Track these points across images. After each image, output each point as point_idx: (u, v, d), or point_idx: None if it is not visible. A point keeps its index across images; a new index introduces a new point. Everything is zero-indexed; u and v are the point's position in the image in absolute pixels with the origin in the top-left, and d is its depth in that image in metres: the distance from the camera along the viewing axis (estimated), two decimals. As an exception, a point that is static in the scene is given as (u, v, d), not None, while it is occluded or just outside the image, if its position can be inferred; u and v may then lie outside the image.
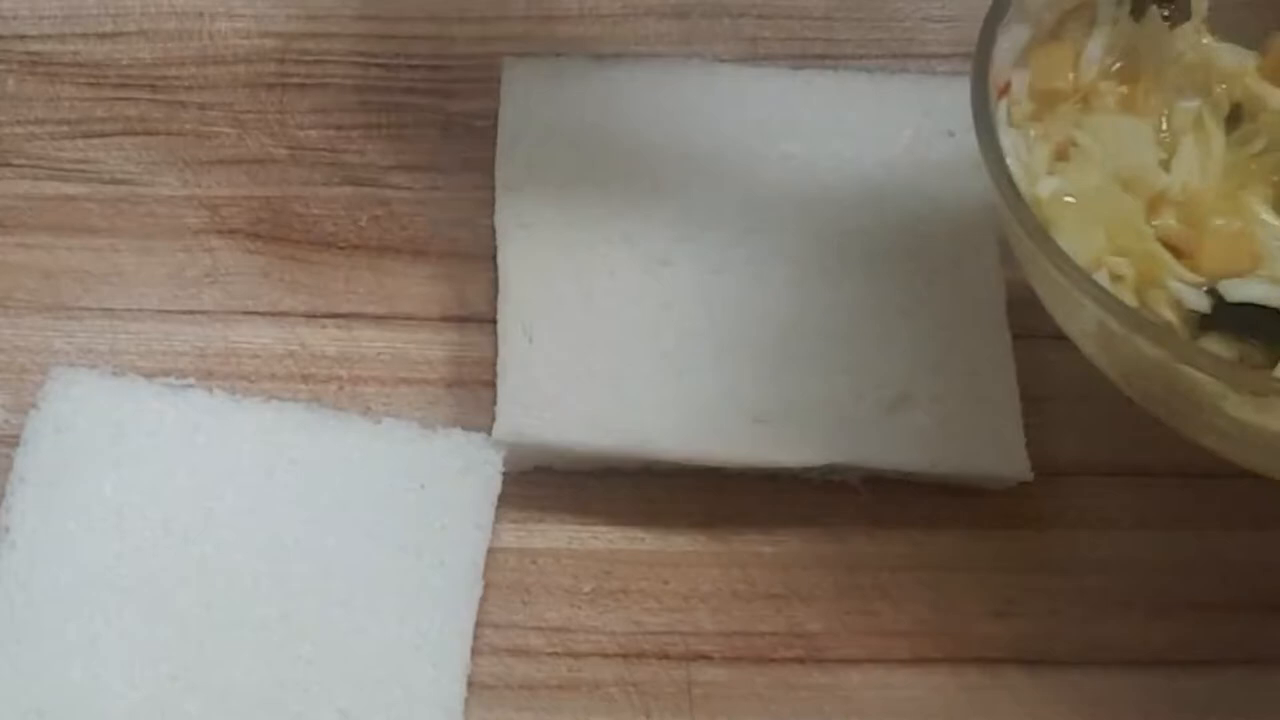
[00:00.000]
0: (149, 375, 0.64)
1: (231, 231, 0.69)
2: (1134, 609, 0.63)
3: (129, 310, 0.67)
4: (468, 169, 0.70)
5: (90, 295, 0.68)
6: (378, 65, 0.73)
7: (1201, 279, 0.58)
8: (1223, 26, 0.63)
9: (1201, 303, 0.58)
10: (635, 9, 0.74)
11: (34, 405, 0.63)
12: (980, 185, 0.69)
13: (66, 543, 0.60)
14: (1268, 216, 0.59)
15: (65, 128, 0.71)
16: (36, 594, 0.59)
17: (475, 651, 0.60)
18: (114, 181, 0.70)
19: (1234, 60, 0.63)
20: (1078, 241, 0.57)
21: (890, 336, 0.65)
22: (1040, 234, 0.56)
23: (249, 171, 0.71)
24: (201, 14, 0.74)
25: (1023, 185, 0.58)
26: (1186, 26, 0.63)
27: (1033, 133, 0.61)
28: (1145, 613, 0.63)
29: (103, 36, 0.74)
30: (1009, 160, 0.58)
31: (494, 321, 0.66)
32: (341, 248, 0.69)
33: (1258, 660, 0.62)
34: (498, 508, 0.63)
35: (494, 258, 0.67)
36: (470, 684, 0.60)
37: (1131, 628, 0.63)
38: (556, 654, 0.62)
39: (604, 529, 0.64)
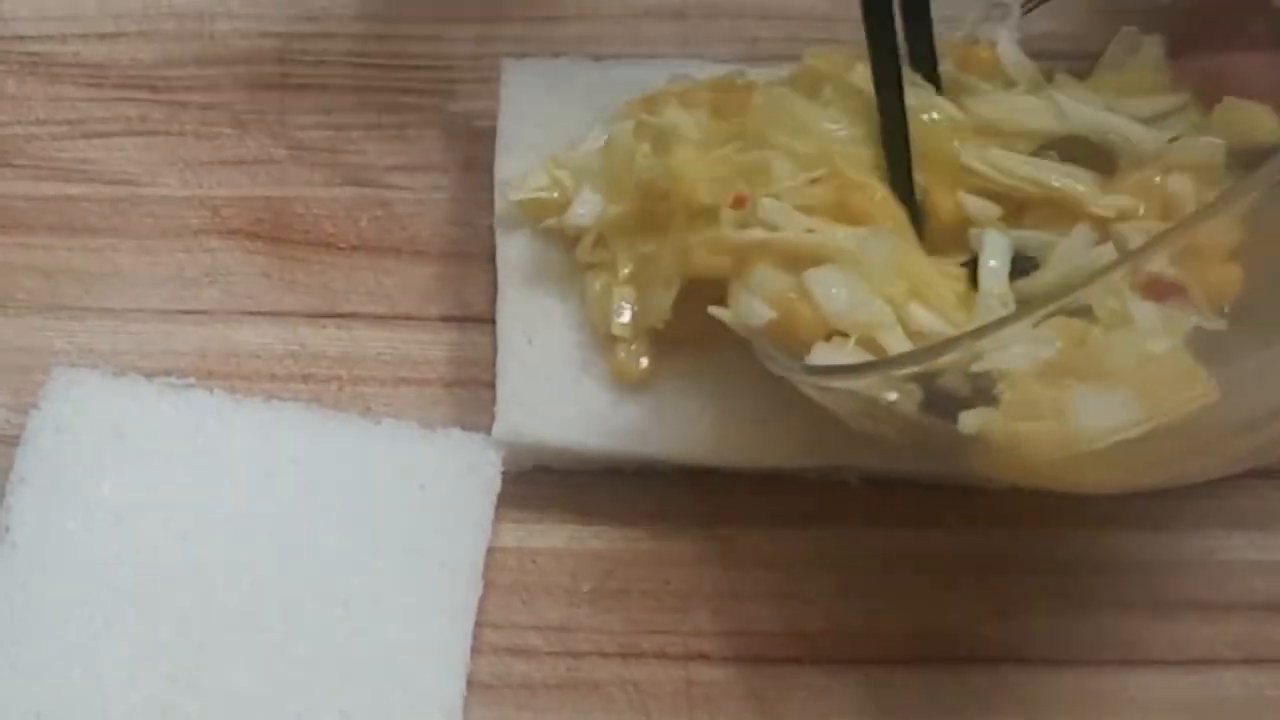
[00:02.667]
0: (149, 375, 0.64)
1: (231, 231, 0.69)
2: (1134, 609, 0.63)
3: (129, 310, 0.67)
4: (468, 169, 0.70)
5: (90, 295, 0.68)
6: (378, 65, 0.73)
7: None
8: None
9: None
10: (635, 10, 0.74)
11: (34, 405, 0.63)
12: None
13: (66, 543, 0.60)
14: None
15: (65, 128, 0.71)
16: (36, 594, 0.59)
17: (475, 651, 0.60)
18: (114, 181, 0.70)
19: None
20: None
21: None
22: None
23: (249, 172, 0.71)
24: (201, 15, 0.74)
25: None
26: None
27: None
28: (1145, 613, 0.63)
29: (103, 37, 0.74)
30: None
31: (494, 321, 0.66)
32: (341, 248, 0.69)
33: (1257, 660, 0.62)
34: (497, 507, 0.63)
35: (494, 258, 0.67)
36: (470, 683, 0.60)
37: (1131, 628, 0.63)
38: (556, 653, 0.62)
39: (603, 528, 0.64)
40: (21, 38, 0.73)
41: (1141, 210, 0.58)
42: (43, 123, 0.72)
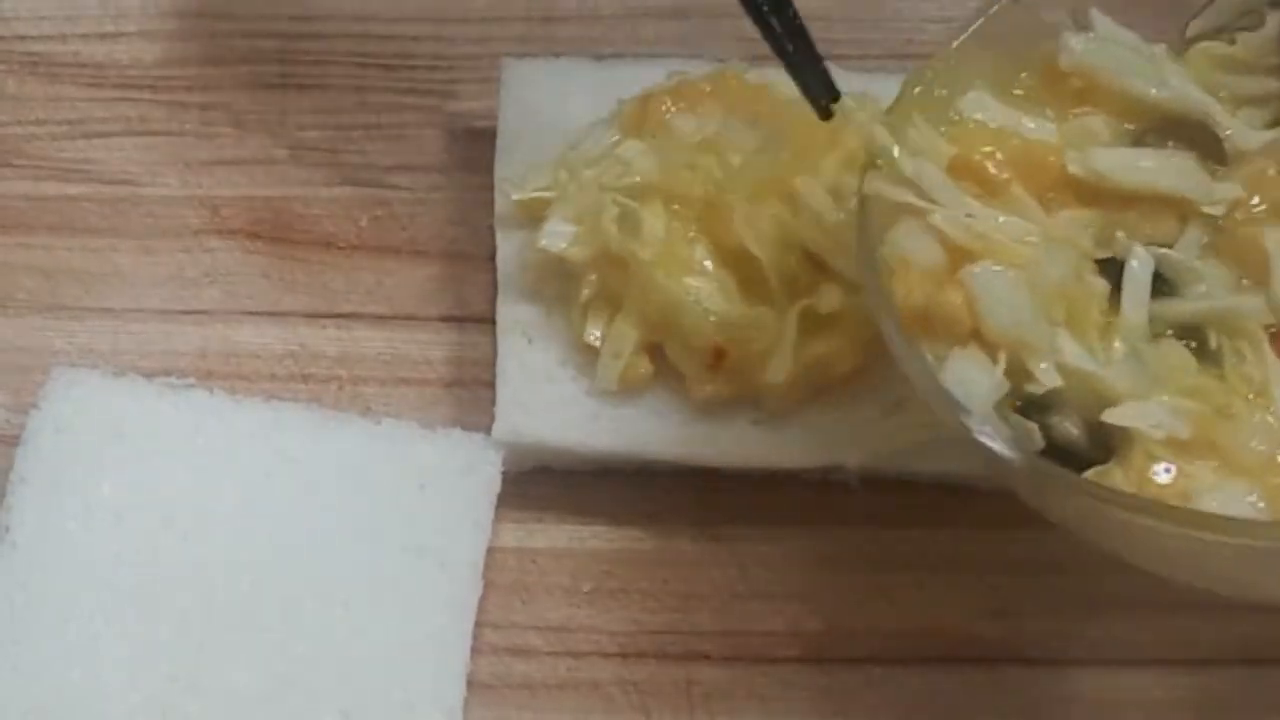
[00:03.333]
0: (149, 375, 0.64)
1: (231, 231, 0.69)
2: (1134, 609, 0.63)
3: (129, 310, 0.68)
4: (468, 169, 0.71)
5: (90, 295, 0.68)
6: (378, 65, 0.73)
7: None
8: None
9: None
10: (635, 9, 0.74)
11: (34, 405, 0.63)
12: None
13: (66, 543, 0.60)
14: None
15: (65, 128, 0.71)
16: (36, 594, 0.59)
17: (475, 651, 0.60)
18: (114, 181, 0.70)
19: None
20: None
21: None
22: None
23: (249, 172, 0.71)
24: (201, 14, 0.74)
25: None
26: None
27: None
28: (1145, 613, 0.63)
29: (103, 37, 0.74)
30: None
31: (493, 322, 0.66)
32: (341, 248, 0.69)
33: (1257, 660, 0.62)
34: (497, 507, 0.63)
35: (494, 258, 0.67)
36: (470, 683, 0.60)
37: (1131, 627, 0.63)
38: (556, 653, 0.62)
39: (603, 529, 0.64)
40: (21, 38, 0.73)
41: (1255, 201, 0.57)
42: (43, 123, 0.72)
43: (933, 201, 0.56)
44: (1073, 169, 0.57)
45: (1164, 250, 0.56)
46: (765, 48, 0.73)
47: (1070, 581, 0.63)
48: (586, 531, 0.64)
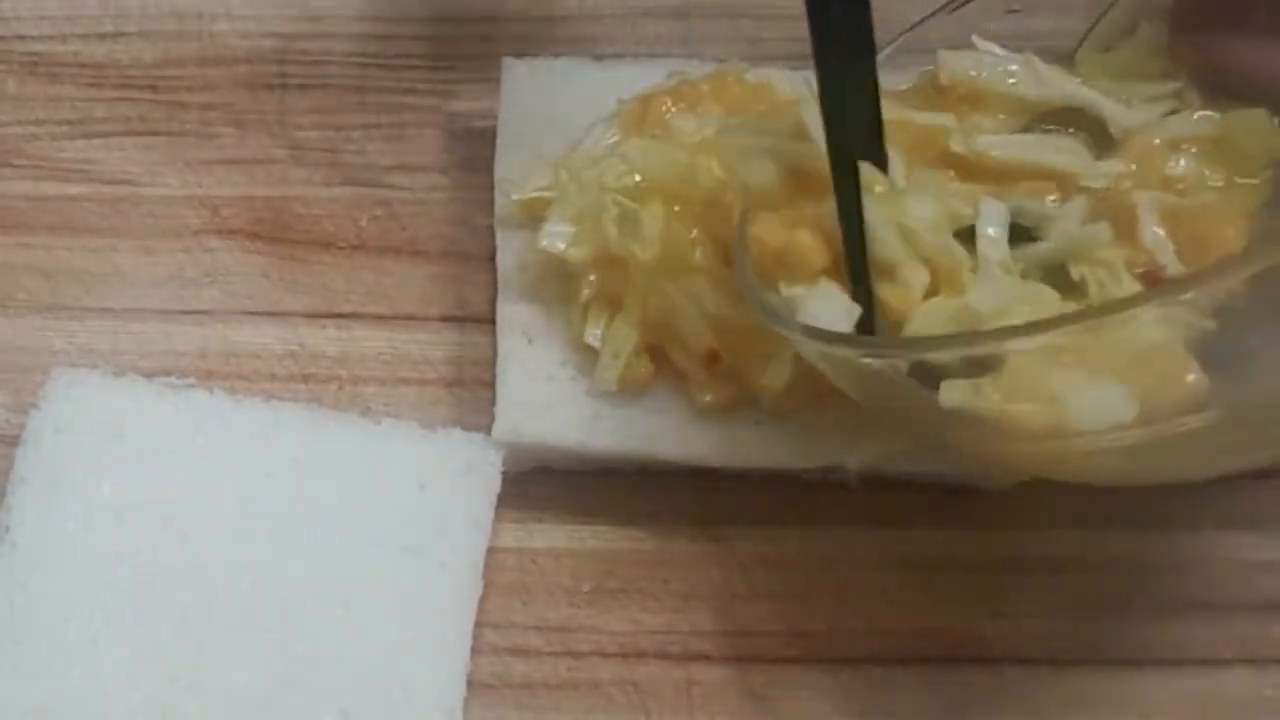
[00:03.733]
0: (149, 375, 0.64)
1: (231, 231, 0.69)
2: (1133, 609, 0.63)
3: (129, 310, 0.68)
4: (468, 169, 0.71)
5: (90, 295, 0.68)
6: (378, 65, 0.73)
7: None
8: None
9: None
10: (635, 9, 0.74)
11: (34, 405, 0.63)
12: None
13: (66, 543, 0.60)
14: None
15: (66, 128, 0.71)
16: (36, 594, 0.59)
17: (475, 651, 0.61)
18: (114, 181, 0.70)
19: None
20: None
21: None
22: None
23: (249, 171, 0.71)
24: (201, 14, 0.74)
25: None
26: None
27: None
28: (1144, 613, 0.63)
29: (103, 37, 0.74)
30: None
31: (494, 321, 0.66)
32: (341, 248, 0.69)
33: (1257, 660, 0.62)
34: (497, 507, 0.63)
35: (494, 258, 0.67)
36: (470, 683, 0.60)
37: (1130, 628, 0.63)
38: (556, 653, 0.62)
39: (603, 529, 0.64)
40: (21, 38, 0.73)
41: (1134, 168, 0.58)
42: (43, 123, 0.72)
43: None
44: (955, 148, 0.59)
45: (1022, 203, 0.58)
46: (764, 48, 0.73)
47: (1070, 581, 0.63)
48: (586, 531, 0.64)
